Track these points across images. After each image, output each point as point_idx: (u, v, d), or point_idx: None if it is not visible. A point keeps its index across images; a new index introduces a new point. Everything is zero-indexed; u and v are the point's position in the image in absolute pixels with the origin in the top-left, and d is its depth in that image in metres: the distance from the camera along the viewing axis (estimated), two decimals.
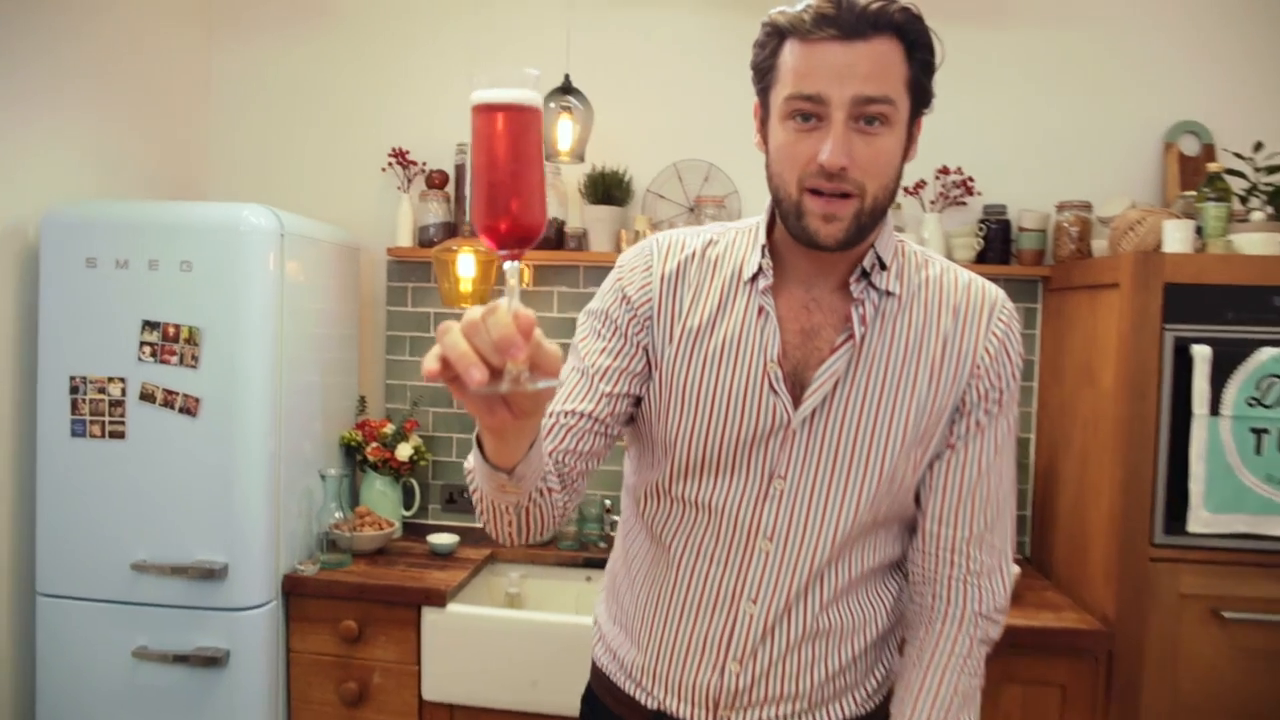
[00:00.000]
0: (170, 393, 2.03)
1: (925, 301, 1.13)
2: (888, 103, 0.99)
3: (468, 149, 2.56)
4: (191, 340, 2.02)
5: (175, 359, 2.02)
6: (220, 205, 2.11)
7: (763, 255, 1.11)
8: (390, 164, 2.67)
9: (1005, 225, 2.48)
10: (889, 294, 1.11)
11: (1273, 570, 1.96)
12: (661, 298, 1.15)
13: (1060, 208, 2.44)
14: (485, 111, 0.74)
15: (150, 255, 2.03)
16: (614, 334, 1.16)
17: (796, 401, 1.09)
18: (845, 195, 1.01)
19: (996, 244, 2.48)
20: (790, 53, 1.02)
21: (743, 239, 1.17)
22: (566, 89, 2.40)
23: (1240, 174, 2.18)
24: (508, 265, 0.75)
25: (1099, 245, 2.36)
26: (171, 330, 2.02)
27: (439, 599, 2.13)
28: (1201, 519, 1.96)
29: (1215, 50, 2.49)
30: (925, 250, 1.18)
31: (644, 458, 1.20)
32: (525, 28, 2.67)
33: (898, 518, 1.17)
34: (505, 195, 0.73)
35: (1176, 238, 1.99)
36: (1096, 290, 2.17)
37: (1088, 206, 2.42)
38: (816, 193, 1.01)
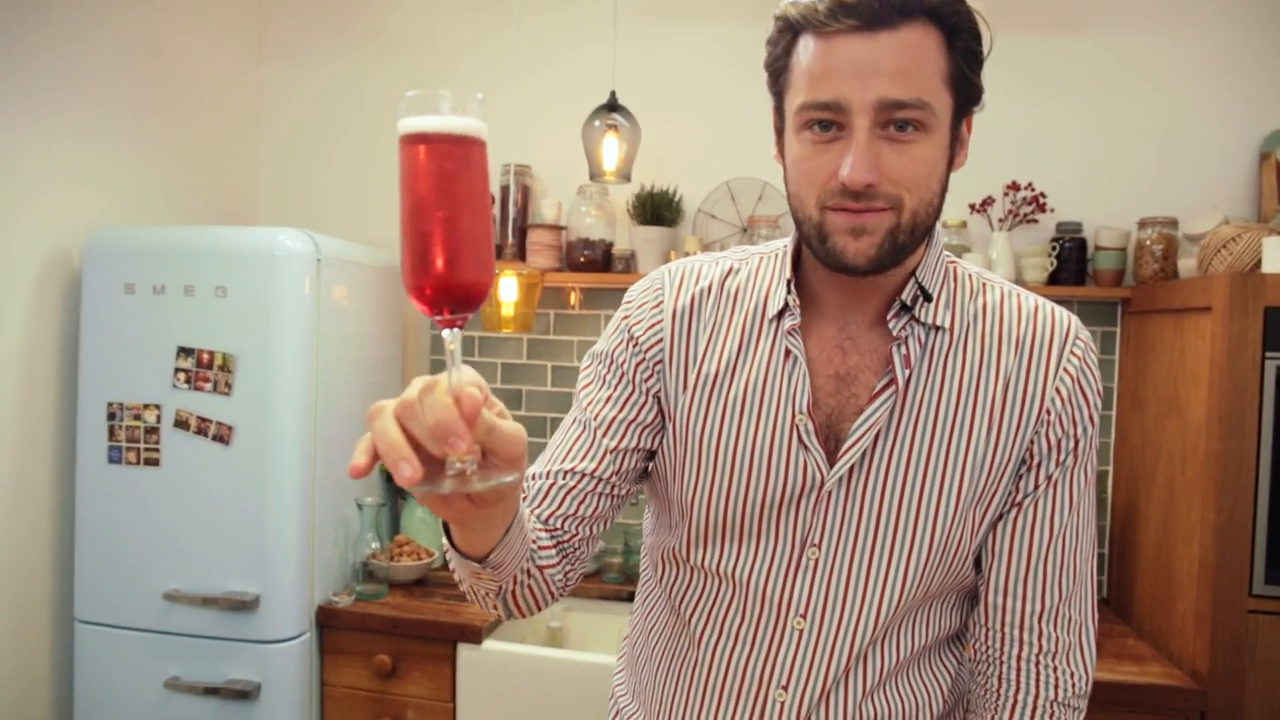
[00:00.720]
0: (204, 420, 1.99)
1: (983, 335, 0.95)
2: (921, 107, 0.83)
3: (511, 171, 2.54)
4: (225, 367, 1.98)
5: (209, 386, 1.99)
6: (256, 230, 2.08)
7: (788, 290, 0.96)
8: None
9: (1081, 244, 2.31)
10: (938, 328, 0.95)
11: None
12: (674, 339, 1.00)
13: (1142, 224, 2.26)
14: (412, 144, 0.60)
15: (186, 281, 2.00)
16: (620, 380, 1.01)
17: (831, 458, 0.94)
18: (879, 209, 0.86)
19: (1071, 264, 2.31)
20: (804, 50, 0.86)
21: (767, 267, 1.01)
22: (613, 106, 2.32)
23: None
24: (445, 333, 0.62)
25: (1186, 265, 2.18)
26: (205, 357, 1.99)
27: (474, 635, 2.05)
28: None
29: None
30: (983, 272, 1.01)
31: (661, 517, 1.06)
32: (571, 43, 2.61)
33: (955, 588, 1.00)
34: (436, 248, 0.59)
35: (1278, 256, 1.80)
36: (1184, 314, 1.99)
37: (1173, 223, 2.23)
38: (841, 209, 0.87)
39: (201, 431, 1.99)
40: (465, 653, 2.06)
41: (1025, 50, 2.37)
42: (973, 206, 2.37)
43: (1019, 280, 2.34)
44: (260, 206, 2.80)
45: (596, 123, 2.30)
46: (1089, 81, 2.39)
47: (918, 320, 0.94)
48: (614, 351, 1.03)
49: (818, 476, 0.94)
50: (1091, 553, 1.00)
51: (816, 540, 0.95)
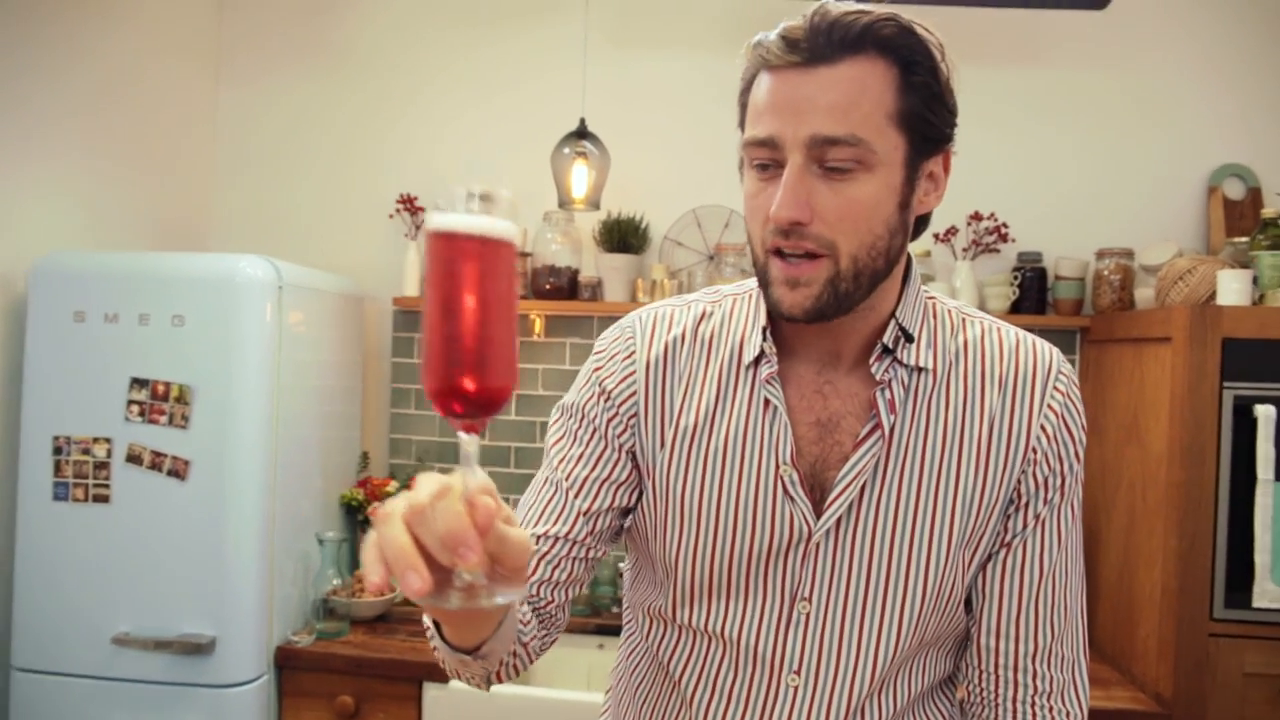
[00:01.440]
0: (158, 454, 1.91)
1: (965, 373, 0.93)
2: (855, 144, 0.80)
3: (477, 198, 2.50)
4: (182, 399, 1.90)
5: (164, 419, 1.91)
6: (215, 256, 2.01)
7: (764, 337, 0.92)
8: (397, 210, 2.57)
9: (1041, 273, 2.36)
10: (920, 370, 0.92)
11: None
12: (648, 391, 0.96)
13: (1100, 255, 2.32)
14: (441, 242, 0.59)
15: (141, 309, 1.92)
16: (592, 436, 0.97)
17: (817, 508, 0.91)
18: (812, 256, 0.83)
19: (1032, 293, 2.35)
20: (758, 87, 0.85)
21: (740, 310, 0.97)
22: (582, 133, 2.30)
23: None
24: (463, 436, 0.60)
25: (1143, 294, 2.24)
26: (161, 388, 1.91)
27: (441, 674, 1.99)
28: (1268, 592, 1.81)
29: (1259, 91, 2.38)
30: (962, 306, 0.99)
31: (644, 573, 1.02)
32: (539, 70, 2.59)
33: (950, 634, 0.98)
34: (460, 351, 0.58)
35: (1233, 289, 1.86)
36: (1143, 343, 2.04)
37: (1129, 254, 2.30)
38: (780, 254, 0.84)
39: (156, 466, 1.91)
40: (432, 692, 2.00)
41: (988, 82, 2.43)
42: (937, 236, 2.40)
43: (982, 308, 2.38)
44: (214, 231, 2.72)
45: (566, 150, 2.29)
46: (1050, 116, 2.45)
47: (900, 362, 0.91)
48: (585, 405, 0.99)
49: (805, 528, 0.91)
50: (1080, 588, 0.98)
51: (807, 594, 0.92)
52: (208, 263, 1.98)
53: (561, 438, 0.99)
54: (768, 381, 0.92)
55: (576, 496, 0.95)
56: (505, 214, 0.59)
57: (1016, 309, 2.36)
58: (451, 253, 0.58)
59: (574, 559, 0.95)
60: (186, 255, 2.04)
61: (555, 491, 0.96)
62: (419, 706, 2.02)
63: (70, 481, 1.93)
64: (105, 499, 1.93)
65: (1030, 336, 0.97)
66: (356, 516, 2.44)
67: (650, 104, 2.55)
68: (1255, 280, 1.94)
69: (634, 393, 0.96)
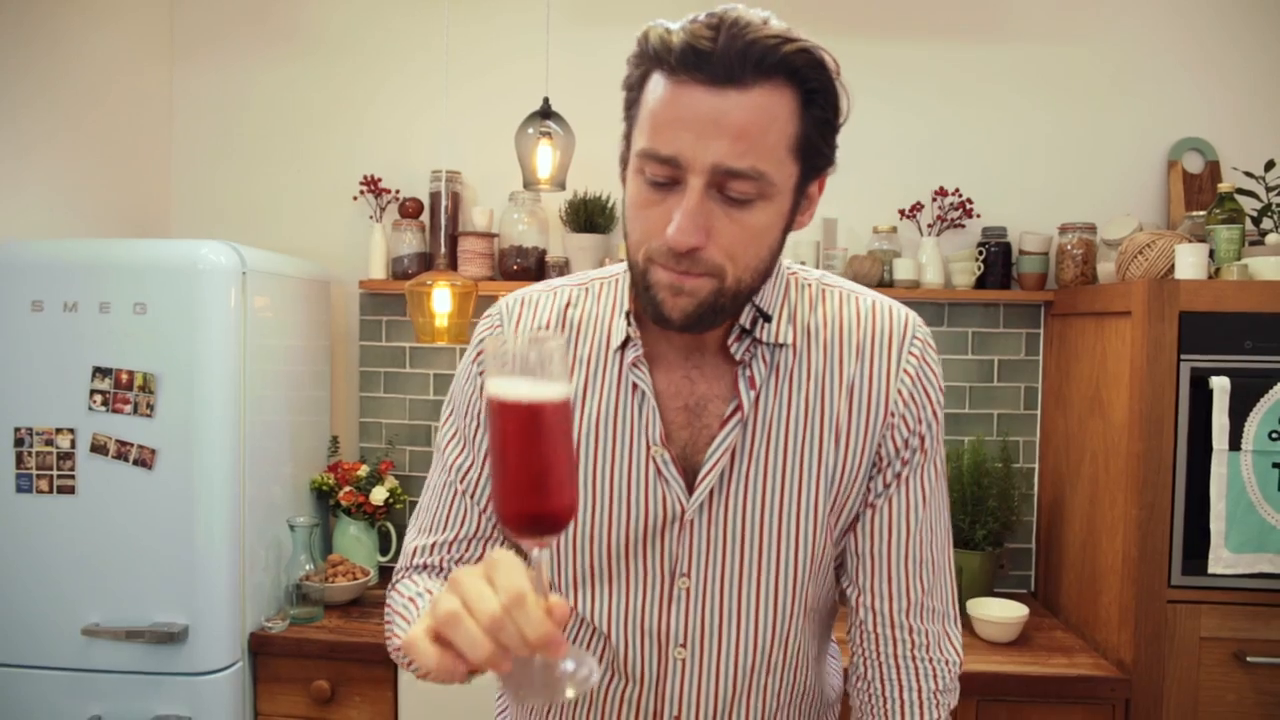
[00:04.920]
0: (124, 444, 1.89)
1: (825, 344, 0.95)
2: (756, 178, 0.79)
3: (443, 178, 2.48)
4: (146, 388, 1.88)
5: (129, 408, 1.88)
6: (177, 243, 1.98)
7: (628, 322, 0.93)
8: (362, 192, 2.54)
9: (1006, 248, 2.38)
10: (780, 346, 0.94)
11: None
12: None
13: (1063, 229, 2.35)
14: (504, 409, 0.65)
15: (101, 297, 1.89)
16: (477, 431, 0.99)
17: (689, 485, 0.93)
18: (698, 275, 0.83)
19: (997, 268, 2.38)
20: (654, 90, 0.82)
21: (607, 296, 0.99)
22: (546, 113, 2.28)
23: (1252, 194, 2.08)
24: (534, 553, 0.67)
25: (1104, 268, 2.27)
26: (125, 377, 1.89)
27: None
28: (1223, 559, 1.86)
29: (1218, 65, 2.40)
30: (825, 276, 1.00)
31: None
32: (502, 49, 2.56)
33: (830, 596, 1.02)
34: (529, 488, 0.65)
35: (1190, 262, 1.89)
36: (1105, 317, 2.07)
37: (1091, 229, 2.32)
38: (664, 267, 0.84)
39: (122, 456, 1.89)
40: (407, 675, 2.01)
41: (952, 58, 2.43)
42: (902, 212, 2.42)
43: (948, 284, 2.40)
44: (174, 217, 2.67)
45: (530, 130, 2.26)
46: (1013, 91, 2.46)
47: (759, 341, 0.93)
48: (470, 401, 1.00)
49: (678, 507, 0.93)
50: (948, 542, 1.02)
51: (685, 570, 0.94)
52: (169, 249, 1.95)
53: (453, 438, 1.02)
54: (634, 365, 0.93)
55: (472, 497, 0.99)
56: (558, 355, 0.65)
57: (982, 284, 2.38)
58: (506, 417, 0.65)
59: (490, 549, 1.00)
60: (147, 242, 2.01)
61: (455, 496, 1.00)
62: (395, 689, 2.03)
63: (34, 473, 1.91)
64: (70, 490, 1.91)
65: (887, 301, 0.99)
66: (328, 501, 2.43)
67: (614, 83, 2.51)
68: (1211, 254, 1.97)
69: None
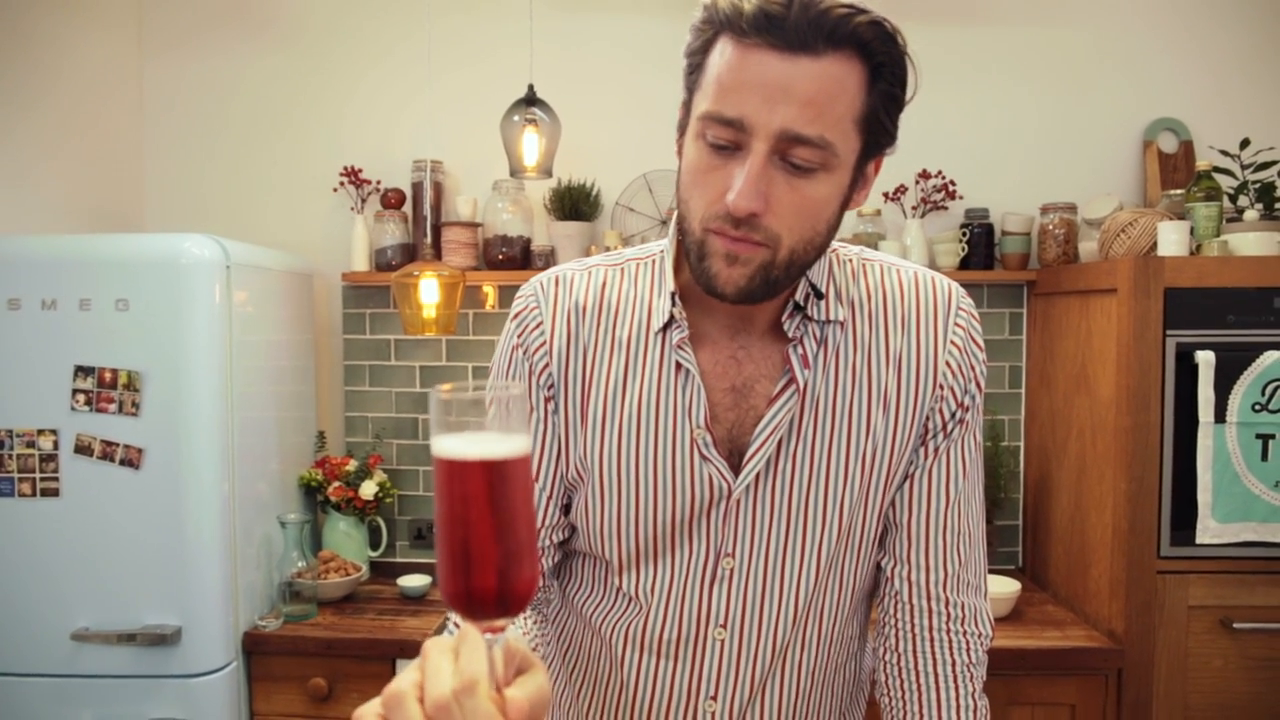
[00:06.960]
0: (109, 444, 1.85)
1: (870, 317, 0.94)
2: (823, 147, 0.78)
3: (426, 167, 2.45)
4: (131, 386, 1.84)
5: (114, 407, 1.84)
6: (159, 237, 1.94)
7: (672, 302, 0.91)
8: (342, 183, 2.50)
9: (989, 229, 2.41)
10: (831, 323, 0.92)
11: None
12: (557, 358, 0.95)
13: (1044, 210, 2.38)
14: (450, 469, 0.55)
15: (81, 294, 1.85)
16: (531, 418, 0.96)
17: (734, 466, 0.92)
18: (754, 243, 0.81)
19: (980, 249, 2.40)
20: (721, 54, 0.80)
21: (645, 276, 0.96)
22: (531, 100, 2.26)
23: (1228, 172, 2.13)
24: (487, 637, 0.57)
25: (1086, 248, 2.30)
26: (108, 375, 1.84)
27: (414, 651, 1.98)
28: (1210, 529, 1.90)
29: (1192, 46, 2.44)
30: (862, 252, 0.99)
31: (575, 541, 1.03)
32: (486, 36, 2.53)
33: (864, 571, 1.01)
34: (479, 559, 0.55)
35: (1173, 240, 1.92)
36: (1089, 295, 2.10)
37: (1072, 208, 2.36)
38: (721, 234, 0.82)
39: (107, 456, 1.84)
40: (405, 670, 1.99)
41: (936, 41, 2.45)
42: (886, 195, 2.43)
43: (933, 265, 2.42)
44: (149, 210, 2.61)
45: (515, 117, 2.24)
46: (994, 73, 2.48)
47: (811, 318, 0.92)
48: (506, 373, 0.98)
49: (724, 486, 0.92)
50: (981, 516, 1.01)
51: (730, 550, 0.94)
52: (151, 243, 1.90)
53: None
54: (679, 346, 0.91)
55: (538, 484, 0.96)
56: (518, 411, 0.56)
57: (965, 265, 2.40)
58: (457, 477, 0.55)
59: (553, 545, 0.99)
60: (127, 236, 1.96)
61: None
62: None
63: (15, 476, 1.86)
64: (54, 493, 1.86)
65: (928, 272, 0.98)
66: (316, 497, 2.40)
67: (599, 69, 2.52)
68: (1191, 231, 2.01)
69: (546, 363, 0.96)
